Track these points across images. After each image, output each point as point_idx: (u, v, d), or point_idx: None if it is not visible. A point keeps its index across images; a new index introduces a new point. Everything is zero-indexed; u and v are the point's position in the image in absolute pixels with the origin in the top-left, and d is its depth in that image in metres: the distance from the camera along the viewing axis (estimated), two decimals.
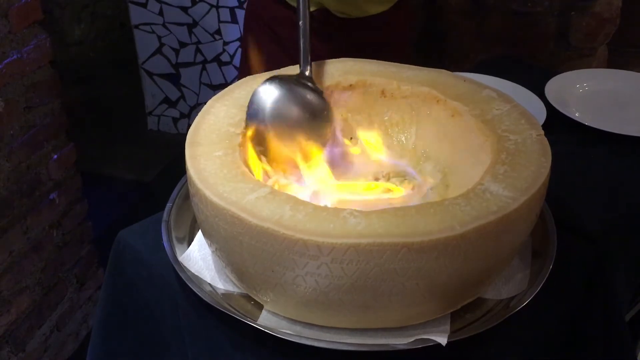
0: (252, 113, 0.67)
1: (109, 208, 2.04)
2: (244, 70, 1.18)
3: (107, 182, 2.22)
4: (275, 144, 0.67)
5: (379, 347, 0.56)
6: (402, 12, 1.13)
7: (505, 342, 0.62)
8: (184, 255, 0.65)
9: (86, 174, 1.56)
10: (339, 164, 0.73)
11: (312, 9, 1.04)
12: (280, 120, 0.67)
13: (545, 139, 0.63)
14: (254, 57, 1.16)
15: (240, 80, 0.73)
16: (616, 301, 0.76)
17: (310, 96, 0.70)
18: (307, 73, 0.71)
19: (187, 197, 0.69)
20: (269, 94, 0.67)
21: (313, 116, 0.70)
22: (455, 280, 0.54)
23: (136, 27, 2.27)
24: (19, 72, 1.25)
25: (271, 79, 0.68)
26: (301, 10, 0.72)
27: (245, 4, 1.21)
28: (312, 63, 0.76)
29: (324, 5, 1.05)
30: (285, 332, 0.57)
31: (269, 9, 1.12)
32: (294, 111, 0.68)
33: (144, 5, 2.22)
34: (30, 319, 1.39)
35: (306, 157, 0.69)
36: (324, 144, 0.71)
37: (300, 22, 0.72)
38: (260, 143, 0.67)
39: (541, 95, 1.04)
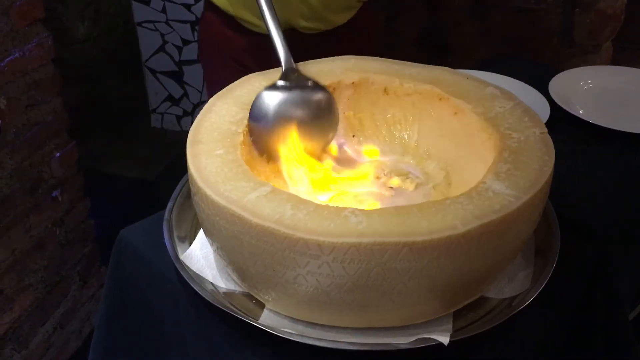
0: (255, 117, 0.67)
1: (111, 206, 2.04)
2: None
3: (110, 180, 2.21)
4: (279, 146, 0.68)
5: (380, 347, 0.55)
6: (363, 20, 1.12)
7: (508, 341, 0.61)
8: (185, 253, 0.65)
9: (89, 172, 1.56)
10: (341, 163, 0.72)
11: None
12: (285, 122, 0.67)
13: (549, 136, 0.63)
14: (216, 85, 1.15)
15: (241, 79, 0.73)
16: (619, 300, 0.75)
17: (312, 94, 0.70)
18: (293, 67, 0.71)
19: (188, 195, 0.69)
20: (272, 97, 0.68)
21: (319, 112, 0.70)
22: (457, 279, 0.53)
23: (139, 24, 2.27)
24: (21, 70, 1.25)
25: (271, 87, 0.69)
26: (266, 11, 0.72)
27: (198, 32, 1.17)
28: (313, 61, 0.76)
29: (291, 25, 1.03)
30: (286, 332, 0.56)
31: (222, 35, 1.09)
32: (299, 111, 0.69)
33: (147, 3, 2.22)
34: (33, 316, 1.40)
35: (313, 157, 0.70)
36: (330, 140, 0.72)
37: (268, 19, 0.72)
38: (262, 148, 0.68)
39: (545, 92, 1.04)
